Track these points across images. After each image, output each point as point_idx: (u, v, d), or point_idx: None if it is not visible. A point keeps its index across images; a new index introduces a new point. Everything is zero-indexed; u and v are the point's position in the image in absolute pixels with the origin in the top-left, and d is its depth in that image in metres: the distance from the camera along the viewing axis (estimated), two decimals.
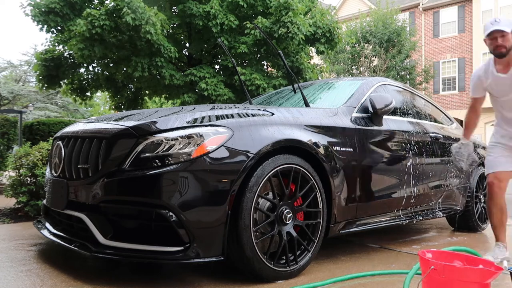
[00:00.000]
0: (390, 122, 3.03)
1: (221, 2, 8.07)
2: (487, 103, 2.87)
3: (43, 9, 7.68)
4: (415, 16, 23.49)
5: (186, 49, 9.53)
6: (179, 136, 1.95)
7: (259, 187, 2.03)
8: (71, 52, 8.35)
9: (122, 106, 10.50)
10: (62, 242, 2.09)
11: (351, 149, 2.58)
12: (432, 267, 1.66)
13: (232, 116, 2.15)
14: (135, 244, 1.88)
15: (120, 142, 1.98)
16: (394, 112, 3.20)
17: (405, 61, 18.95)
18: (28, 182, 3.78)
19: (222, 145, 1.97)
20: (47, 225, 2.39)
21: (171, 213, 1.85)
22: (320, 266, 2.43)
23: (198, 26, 8.01)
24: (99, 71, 9.41)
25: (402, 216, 3.05)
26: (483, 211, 4.10)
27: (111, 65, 8.80)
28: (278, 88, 7.95)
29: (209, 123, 2.04)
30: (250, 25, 7.72)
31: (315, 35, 8.39)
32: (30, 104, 24.42)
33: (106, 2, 8.21)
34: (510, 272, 1.88)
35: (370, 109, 2.87)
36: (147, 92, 10.26)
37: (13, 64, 27.98)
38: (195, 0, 8.08)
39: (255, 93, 7.95)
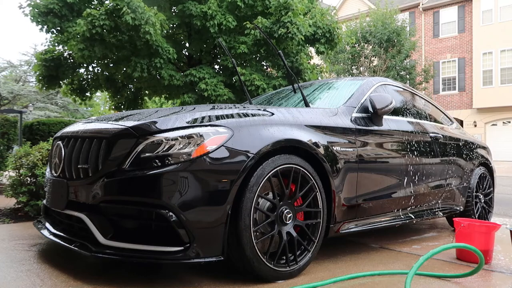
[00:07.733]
0: (390, 122, 3.03)
1: (220, 3, 8.07)
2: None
3: (42, 10, 7.67)
4: (415, 16, 23.50)
5: (186, 49, 9.53)
6: (179, 136, 1.95)
7: (259, 187, 2.03)
8: (71, 52, 8.35)
9: (122, 106, 10.49)
10: (62, 242, 2.09)
11: (351, 149, 2.58)
12: (462, 224, 2.74)
13: (232, 116, 2.15)
14: (135, 244, 1.88)
15: (120, 142, 1.98)
16: (394, 112, 3.20)
17: (405, 61, 18.98)
18: (28, 182, 3.78)
19: (222, 145, 1.97)
20: (47, 225, 2.39)
21: (171, 213, 1.85)
22: (320, 266, 2.43)
23: (197, 26, 8.01)
24: (99, 71, 9.41)
25: (402, 216, 3.05)
26: (483, 211, 4.10)
27: (111, 65, 8.80)
28: (278, 88, 7.95)
29: (209, 123, 2.04)
30: (250, 25, 7.71)
31: (315, 35, 8.38)
32: (30, 104, 24.44)
33: (106, 2, 8.21)
34: (510, 230, 2.67)
35: (370, 109, 2.87)
36: (147, 92, 10.26)
37: (13, 64, 28.01)
38: (194, 0, 8.08)
39: (254, 94, 7.95)
